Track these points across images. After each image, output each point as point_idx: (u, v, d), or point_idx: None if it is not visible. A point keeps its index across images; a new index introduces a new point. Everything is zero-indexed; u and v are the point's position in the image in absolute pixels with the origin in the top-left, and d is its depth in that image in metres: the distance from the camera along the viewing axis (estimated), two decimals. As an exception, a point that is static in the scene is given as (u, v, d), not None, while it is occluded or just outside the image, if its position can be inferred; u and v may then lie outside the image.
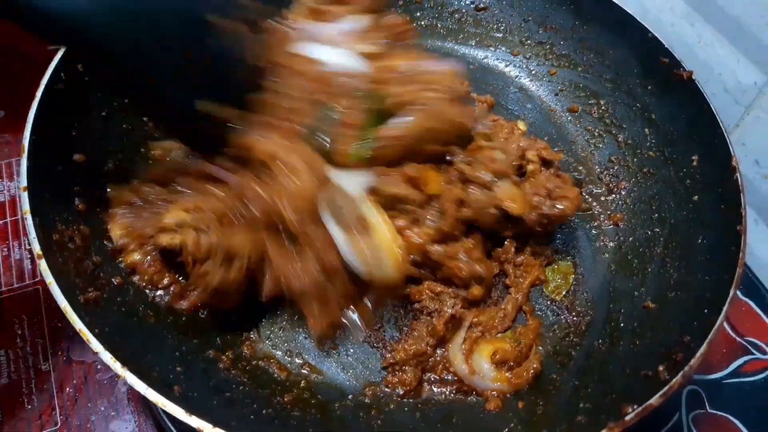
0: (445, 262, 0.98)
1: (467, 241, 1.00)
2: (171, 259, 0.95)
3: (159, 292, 0.98)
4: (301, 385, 0.94)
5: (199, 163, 1.02)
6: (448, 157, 1.03)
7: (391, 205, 0.98)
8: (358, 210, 0.92)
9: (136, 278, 0.97)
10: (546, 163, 1.05)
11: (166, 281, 0.97)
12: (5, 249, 1.21)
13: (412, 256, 0.97)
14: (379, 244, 0.92)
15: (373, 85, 1.03)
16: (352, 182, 0.96)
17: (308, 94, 0.98)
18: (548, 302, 1.06)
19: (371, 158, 1.00)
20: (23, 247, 1.22)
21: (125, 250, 0.98)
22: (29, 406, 1.03)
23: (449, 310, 0.97)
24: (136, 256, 0.98)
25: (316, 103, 0.97)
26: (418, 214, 0.98)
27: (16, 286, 1.17)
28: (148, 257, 0.98)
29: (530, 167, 1.04)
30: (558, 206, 1.00)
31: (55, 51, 1.02)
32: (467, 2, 1.43)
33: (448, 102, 1.02)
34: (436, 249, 0.97)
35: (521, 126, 1.20)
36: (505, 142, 1.06)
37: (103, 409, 1.04)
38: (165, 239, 0.92)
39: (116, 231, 1.00)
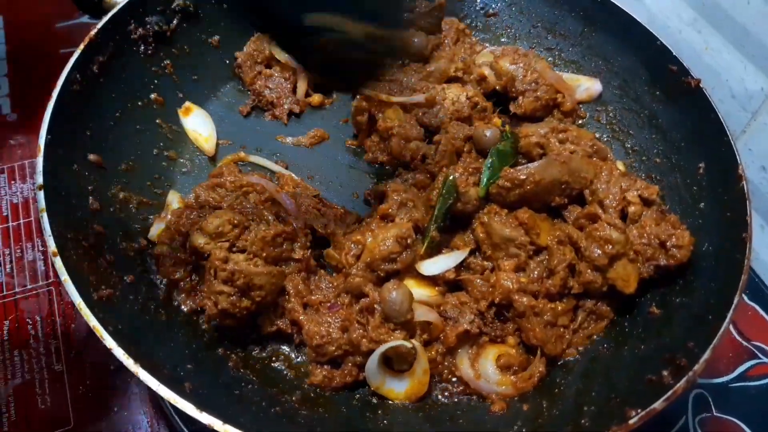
0: (524, 317, 0.96)
1: (560, 304, 0.98)
2: (197, 258, 0.97)
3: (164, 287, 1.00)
4: (310, 385, 0.95)
5: (271, 186, 1.07)
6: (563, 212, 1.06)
7: (499, 245, 1.00)
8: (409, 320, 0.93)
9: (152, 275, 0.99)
10: (647, 203, 1.03)
11: (178, 275, 0.99)
12: (18, 250, 1.23)
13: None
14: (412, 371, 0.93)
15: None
16: (436, 268, 1.00)
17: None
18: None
19: (491, 195, 1.05)
20: (36, 249, 1.23)
21: (159, 242, 1.01)
22: (42, 406, 1.04)
23: (466, 325, 0.96)
24: (165, 249, 1.00)
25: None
26: (522, 260, 0.99)
27: (29, 287, 1.18)
28: (173, 251, 1.00)
29: (632, 209, 1.01)
30: (675, 256, 0.97)
31: (70, 55, 1.03)
32: (477, 7, 1.44)
33: (583, 159, 1.06)
34: (523, 300, 0.96)
35: (621, 166, 1.17)
36: (607, 187, 1.04)
37: (115, 409, 1.05)
38: (198, 240, 0.94)
39: (156, 228, 1.03)
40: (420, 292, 0.98)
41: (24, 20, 1.64)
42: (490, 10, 1.44)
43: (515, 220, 1.01)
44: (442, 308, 0.99)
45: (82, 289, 0.82)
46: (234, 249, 0.95)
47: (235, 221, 0.95)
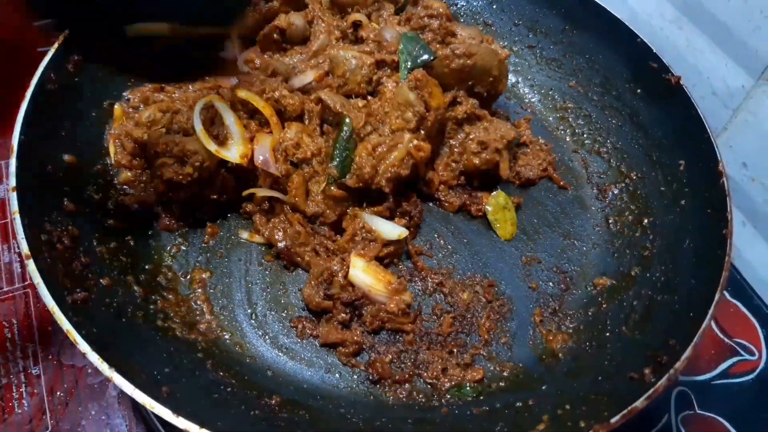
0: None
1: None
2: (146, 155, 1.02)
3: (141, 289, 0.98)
4: (290, 387, 0.94)
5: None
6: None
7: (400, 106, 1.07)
8: None
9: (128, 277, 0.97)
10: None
11: (149, 195, 1.06)
12: (-6, 252, 1.21)
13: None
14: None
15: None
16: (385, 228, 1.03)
17: None
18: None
19: (433, 69, 1.12)
20: (12, 251, 1.21)
21: (120, 168, 1.04)
22: (19, 410, 1.03)
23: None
24: (129, 174, 1.04)
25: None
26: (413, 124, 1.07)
27: (5, 289, 1.16)
28: (138, 172, 1.05)
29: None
30: None
31: (46, 52, 1.01)
32: (458, 5, 1.44)
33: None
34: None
35: None
36: None
37: (93, 412, 1.03)
38: (137, 133, 1.00)
39: (112, 148, 1.06)
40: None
41: (-1, 18, 1.62)
42: (471, 9, 1.43)
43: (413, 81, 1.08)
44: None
45: (56, 293, 0.80)
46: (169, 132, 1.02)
47: (165, 108, 1.02)
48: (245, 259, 1.08)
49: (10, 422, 1.01)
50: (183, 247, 1.07)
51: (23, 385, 1.05)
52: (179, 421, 0.72)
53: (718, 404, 1.10)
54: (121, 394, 1.05)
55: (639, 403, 0.77)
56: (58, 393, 1.04)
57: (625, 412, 0.77)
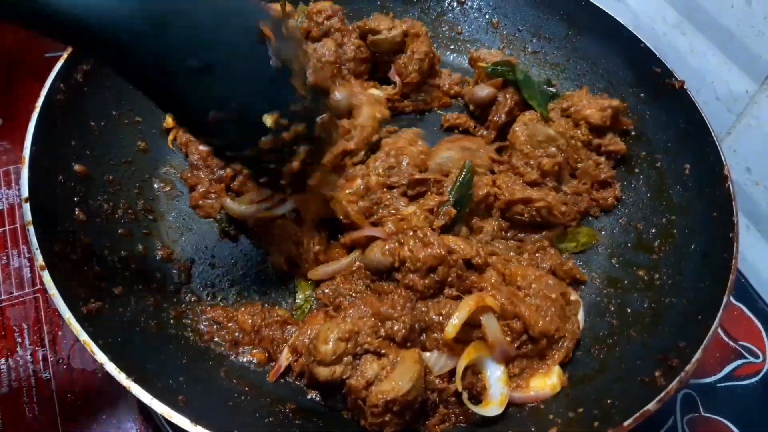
0: None
1: None
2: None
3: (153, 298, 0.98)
4: (303, 394, 0.94)
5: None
6: None
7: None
8: None
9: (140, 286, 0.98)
10: None
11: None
12: (4, 257, 1.21)
13: None
14: None
15: None
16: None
17: None
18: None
19: None
20: (22, 256, 1.21)
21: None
22: (30, 415, 1.02)
23: None
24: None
25: None
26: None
27: (15, 294, 1.16)
28: None
29: None
30: None
31: (55, 60, 1.02)
32: (461, 13, 1.45)
33: None
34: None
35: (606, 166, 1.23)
36: None
37: (104, 416, 1.03)
38: (324, 374, 0.85)
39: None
40: None
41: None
42: (475, 15, 1.44)
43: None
44: None
45: (71, 303, 0.80)
46: (359, 357, 0.87)
47: (346, 335, 0.86)
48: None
49: (21, 427, 1.01)
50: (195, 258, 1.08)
51: (34, 389, 1.05)
52: (197, 430, 0.72)
53: (723, 407, 1.10)
54: (131, 397, 1.04)
55: (651, 406, 0.78)
56: (69, 397, 1.04)
57: (637, 415, 0.78)
